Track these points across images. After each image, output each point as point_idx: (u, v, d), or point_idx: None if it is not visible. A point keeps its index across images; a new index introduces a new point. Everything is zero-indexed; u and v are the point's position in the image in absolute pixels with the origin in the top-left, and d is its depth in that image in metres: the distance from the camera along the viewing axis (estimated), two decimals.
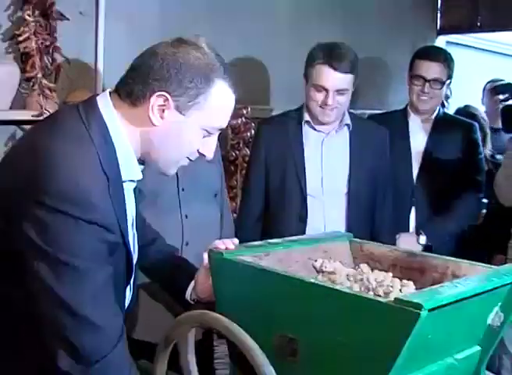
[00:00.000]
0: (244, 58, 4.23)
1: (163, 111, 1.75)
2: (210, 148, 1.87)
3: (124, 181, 1.80)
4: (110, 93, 1.81)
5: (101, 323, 1.67)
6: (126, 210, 1.82)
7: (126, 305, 1.99)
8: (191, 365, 1.91)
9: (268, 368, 1.69)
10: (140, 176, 1.87)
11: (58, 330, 1.66)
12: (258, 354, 1.69)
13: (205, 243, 2.85)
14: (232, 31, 4.11)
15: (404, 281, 2.00)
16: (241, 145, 4.10)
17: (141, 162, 1.87)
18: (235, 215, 3.47)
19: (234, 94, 1.85)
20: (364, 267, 2.11)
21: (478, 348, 1.93)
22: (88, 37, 3.41)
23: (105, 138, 1.75)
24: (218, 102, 1.80)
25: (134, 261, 1.93)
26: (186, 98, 1.75)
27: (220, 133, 1.88)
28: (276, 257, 2.11)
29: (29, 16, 3.05)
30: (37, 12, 3.08)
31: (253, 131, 4.03)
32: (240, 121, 4.06)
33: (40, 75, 3.12)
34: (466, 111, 4.71)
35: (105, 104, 1.79)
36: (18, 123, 3.10)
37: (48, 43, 3.16)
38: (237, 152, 4.08)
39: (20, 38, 3.09)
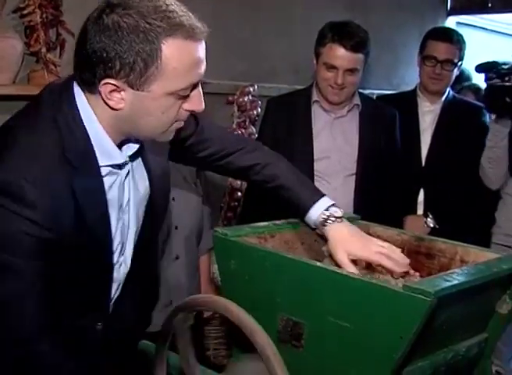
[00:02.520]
0: (252, 35, 4.18)
1: (119, 93, 1.62)
2: (196, 103, 1.71)
3: (103, 166, 1.73)
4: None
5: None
6: (103, 198, 1.75)
7: (113, 294, 1.94)
8: (189, 354, 1.87)
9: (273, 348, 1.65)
10: (122, 160, 1.77)
11: None
12: (263, 335, 1.65)
13: (192, 225, 2.88)
14: (240, 8, 4.06)
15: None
16: (247, 123, 4.08)
17: (136, 140, 1.80)
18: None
19: (198, 40, 1.63)
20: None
21: (485, 335, 1.90)
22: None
23: (76, 125, 1.67)
24: (176, 63, 1.61)
25: (114, 256, 1.85)
26: (136, 75, 1.59)
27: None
28: (282, 238, 2.08)
29: None
30: None
31: (259, 109, 4.01)
32: (246, 99, 4.03)
33: (44, 49, 3.08)
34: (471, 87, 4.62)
35: (77, 89, 1.69)
36: (21, 98, 3.05)
37: (52, 17, 3.12)
38: (243, 130, 4.05)
39: (25, 12, 3.06)
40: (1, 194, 1.57)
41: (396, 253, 1.94)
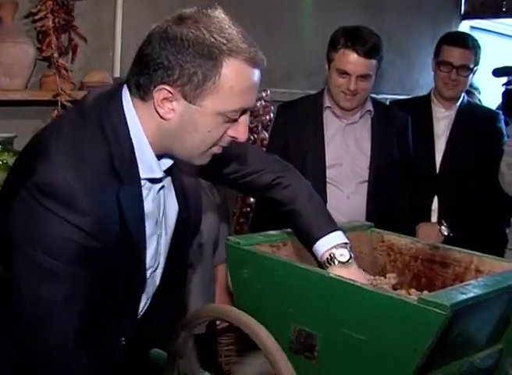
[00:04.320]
0: (264, 39, 4.16)
1: (171, 102, 1.64)
2: (240, 130, 1.72)
3: (143, 179, 1.73)
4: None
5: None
6: (141, 208, 1.74)
7: (141, 310, 1.92)
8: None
9: (286, 363, 1.63)
10: (161, 175, 1.77)
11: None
12: (274, 348, 1.63)
13: (206, 232, 2.85)
14: (254, 11, 4.04)
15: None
16: (259, 128, 4.06)
17: (170, 156, 1.78)
18: None
19: (257, 67, 1.66)
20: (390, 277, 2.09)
21: (499, 346, 1.87)
22: (106, 16, 3.36)
23: (123, 135, 1.67)
24: (232, 83, 1.63)
25: (147, 267, 1.83)
26: (192, 86, 1.61)
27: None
28: (295, 247, 2.06)
29: None
30: None
31: (272, 115, 3.99)
32: (258, 104, 4.01)
33: (56, 54, 3.08)
34: None
35: (126, 97, 1.69)
36: (33, 103, 3.05)
37: (64, 22, 3.11)
38: (255, 136, 4.04)
39: (37, 17, 3.06)
40: (50, 197, 1.56)
41: None
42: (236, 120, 1.69)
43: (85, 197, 1.58)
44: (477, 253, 1.99)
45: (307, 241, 2.02)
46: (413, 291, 2.01)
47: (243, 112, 1.70)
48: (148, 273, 1.85)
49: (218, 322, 2.94)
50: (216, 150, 1.75)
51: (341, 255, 1.94)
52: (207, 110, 1.64)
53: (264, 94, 4.02)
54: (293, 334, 1.76)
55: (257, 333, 1.62)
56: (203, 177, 2.08)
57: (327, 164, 3.11)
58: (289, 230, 2.08)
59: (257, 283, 1.86)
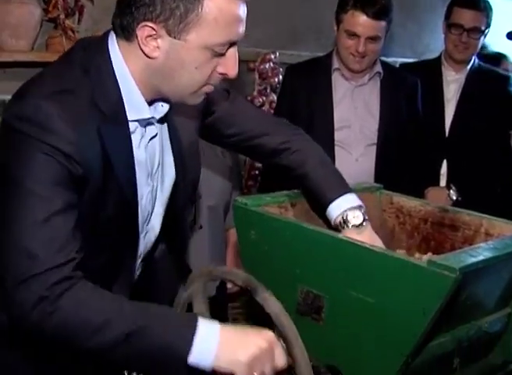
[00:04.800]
0: (272, 0, 4.12)
1: (156, 40, 1.60)
2: (229, 65, 1.66)
3: (131, 121, 1.69)
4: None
5: (38, 253, 1.52)
6: (130, 154, 1.70)
7: (137, 269, 1.89)
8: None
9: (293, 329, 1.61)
10: (149, 115, 1.72)
11: None
12: (282, 314, 1.61)
13: (217, 195, 2.84)
14: None
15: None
16: (268, 91, 4.03)
17: (164, 101, 1.76)
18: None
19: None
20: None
21: (508, 310, 1.87)
22: None
23: (108, 75, 1.64)
24: (216, 14, 1.57)
25: (139, 215, 1.77)
26: (175, 20, 1.56)
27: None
28: (303, 208, 2.04)
29: None
30: None
31: (281, 77, 3.96)
32: (267, 66, 3.98)
33: (62, 16, 3.06)
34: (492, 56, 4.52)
35: (112, 41, 1.67)
36: (39, 64, 3.02)
37: None
38: (264, 98, 4.01)
39: None
40: (27, 122, 1.54)
41: None
42: (223, 54, 1.65)
43: (62, 122, 1.55)
44: (487, 216, 1.97)
45: (320, 204, 2.00)
46: (421, 254, 1.99)
47: (231, 45, 1.65)
48: (140, 225, 1.80)
49: (228, 286, 2.94)
50: (207, 89, 1.71)
51: (354, 217, 1.92)
52: (192, 44, 1.60)
53: (272, 56, 3.99)
54: (300, 296, 1.76)
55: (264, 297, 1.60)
56: (205, 139, 2.05)
57: (335, 126, 3.08)
58: (297, 190, 2.06)
59: (265, 244, 1.85)
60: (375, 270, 1.58)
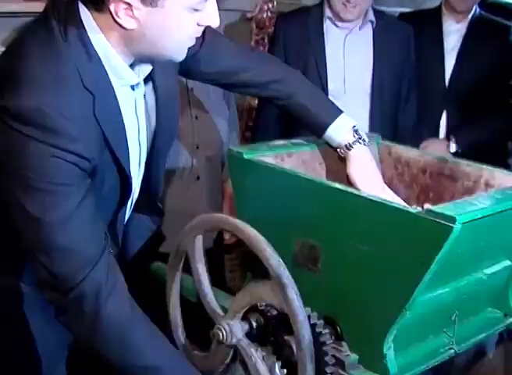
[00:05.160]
0: None
1: (131, 11, 1.52)
2: (211, 17, 1.61)
3: (117, 87, 1.65)
4: None
5: (73, 247, 1.56)
6: (121, 123, 1.68)
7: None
8: (201, 274, 1.81)
9: (284, 270, 1.58)
10: (136, 80, 1.70)
11: (34, 254, 1.60)
12: (271, 254, 1.58)
13: (215, 146, 2.80)
14: None
15: None
16: (266, 41, 3.99)
17: (148, 60, 1.72)
18: None
19: None
20: None
21: (508, 262, 1.84)
22: None
23: (88, 51, 1.58)
24: None
25: (133, 180, 1.78)
26: None
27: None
28: (300, 158, 2.00)
29: None
30: None
31: None
32: (265, 15, 3.93)
33: None
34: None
35: (83, 10, 1.57)
36: (31, 14, 2.96)
37: None
38: (261, 48, 3.96)
39: None
40: (29, 124, 1.49)
41: None
42: (202, 8, 1.60)
43: (65, 120, 1.52)
44: (487, 166, 1.93)
45: (318, 128, 2.00)
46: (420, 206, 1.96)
47: None
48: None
49: (226, 237, 2.92)
50: (190, 43, 1.67)
51: (363, 133, 1.97)
52: (170, 9, 1.54)
53: (270, 6, 3.93)
54: (296, 246, 1.73)
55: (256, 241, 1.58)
56: (187, 77, 2.07)
57: (328, 76, 3.03)
58: (294, 140, 2.02)
59: (260, 195, 1.82)
60: (372, 220, 1.55)
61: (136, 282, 1.94)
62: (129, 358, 1.63)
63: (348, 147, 1.95)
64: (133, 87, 1.72)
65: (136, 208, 1.95)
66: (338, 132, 1.97)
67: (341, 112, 2.01)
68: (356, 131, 1.96)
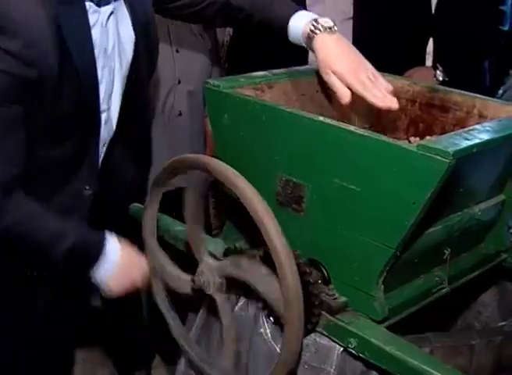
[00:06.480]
0: None
1: None
2: None
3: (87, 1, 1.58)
4: None
5: None
6: (89, 35, 1.60)
7: (101, 156, 1.83)
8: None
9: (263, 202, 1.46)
10: None
11: None
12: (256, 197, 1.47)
13: (197, 80, 2.69)
14: None
15: None
16: None
17: None
18: None
19: None
20: None
21: (502, 197, 1.77)
22: None
23: None
24: None
25: (100, 98, 1.70)
26: None
27: None
28: (281, 89, 1.88)
29: None
30: None
31: None
32: None
33: None
34: None
35: None
36: None
37: None
38: None
39: None
40: None
41: (382, 88, 1.73)
42: None
43: (12, 17, 1.44)
44: (480, 96, 1.83)
45: (278, 29, 1.88)
46: (411, 138, 1.86)
47: None
48: (103, 116, 1.73)
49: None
50: None
51: (325, 21, 1.81)
52: None
53: None
54: (279, 185, 1.63)
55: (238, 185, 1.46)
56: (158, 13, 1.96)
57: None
58: (274, 70, 1.90)
59: (240, 130, 1.70)
60: (359, 155, 1.44)
61: (117, 223, 1.87)
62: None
63: (310, 37, 1.80)
64: (99, 4, 1.64)
65: (123, 153, 1.90)
66: (297, 27, 1.83)
67: (300, 7, 1.90)
68: (315, 20, 1.81)
